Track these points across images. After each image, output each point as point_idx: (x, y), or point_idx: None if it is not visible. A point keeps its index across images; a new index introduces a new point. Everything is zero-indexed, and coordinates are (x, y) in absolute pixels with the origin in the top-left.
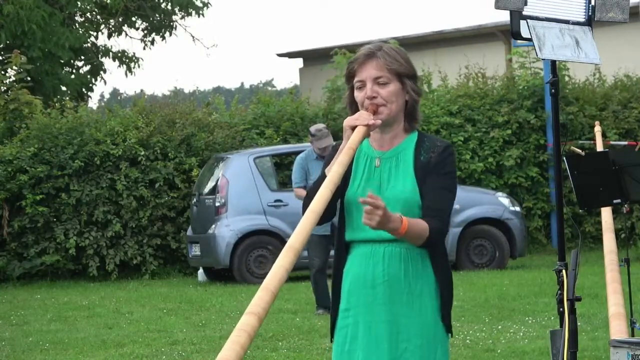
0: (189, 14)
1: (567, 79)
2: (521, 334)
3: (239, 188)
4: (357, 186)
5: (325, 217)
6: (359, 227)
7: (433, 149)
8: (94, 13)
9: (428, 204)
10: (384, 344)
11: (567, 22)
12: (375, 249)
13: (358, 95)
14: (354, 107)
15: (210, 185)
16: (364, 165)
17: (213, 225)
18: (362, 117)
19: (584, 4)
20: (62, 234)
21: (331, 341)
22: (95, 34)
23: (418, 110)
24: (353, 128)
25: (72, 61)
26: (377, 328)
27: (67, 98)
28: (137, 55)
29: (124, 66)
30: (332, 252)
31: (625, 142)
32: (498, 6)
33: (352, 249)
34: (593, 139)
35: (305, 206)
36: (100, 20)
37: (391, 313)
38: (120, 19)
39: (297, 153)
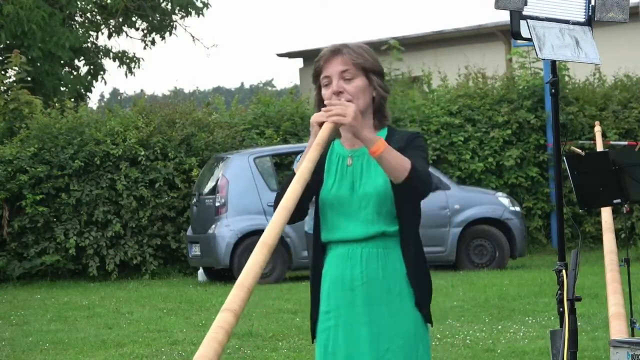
0: (189, 14)
1: (567, 79)
2: (521, 334)
3: (239, 188)
4: (330, 186)
5: (296, 215)
6: (334, 228)
7: (402, 139)
8: (94, 13)
9: None
10: (365, 345)
11: (567, 22)
12: (353, 250)
13: (325, 92)
14: (321, 106)
15: (210, 185)
16: (337, 165)
17: (213, 225)
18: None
19: (584, 4)
20: (62, 234)
21: (312, 342)
22: (95, 34)
23: (386, 106)
24: (320, 124)
25: (72, 61)
26: (358, 330)
27: (67, 98)
28: (137, 55)
29: (124, 66)
30: None
31: (625, 142)
32: (498, 6)
33: (329, 250)
34: (593, 139)
35: (276, 203)
36: (100, 20)
37: (371, 314)
38: (120, 19)
39: (297, 153)
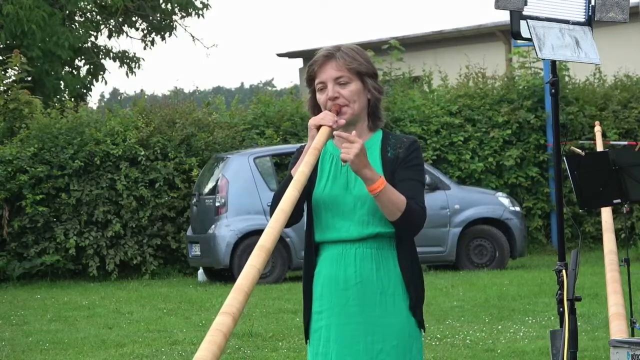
0: (189, 14)
1: (567, 79)
2: (521, 334)
3: (239, 188)
4: (323, 186)
5: (294, 217)
6: (328, 228)
7: (399, 144)
8: (94, 13)
9: (402, 193)
10: (358, 345)
11: (567, 22)
12: (346, 250)
13: (320, 97)
14: (316, 110)
15: (210, 185)
16: (330, 165)
17: (213, 225)
18: (326, 118)
19: (584, 4)
20: (62, 234)
21: (306, 342)
22: (95, 34)
23: (381, 108)
24: (318, 128)
25: (72, 61)
26: (350, 330)
27: (67, 98)
28: (137, 55)
29: (125, 66)
30: None
31: (625, 142)
32: (498, 6)
33: (322, 250)
34: (593, 139)
35: (273, 207)
36: (100, 20)
37: (365, 314)
38: (120, 19)
39: None
